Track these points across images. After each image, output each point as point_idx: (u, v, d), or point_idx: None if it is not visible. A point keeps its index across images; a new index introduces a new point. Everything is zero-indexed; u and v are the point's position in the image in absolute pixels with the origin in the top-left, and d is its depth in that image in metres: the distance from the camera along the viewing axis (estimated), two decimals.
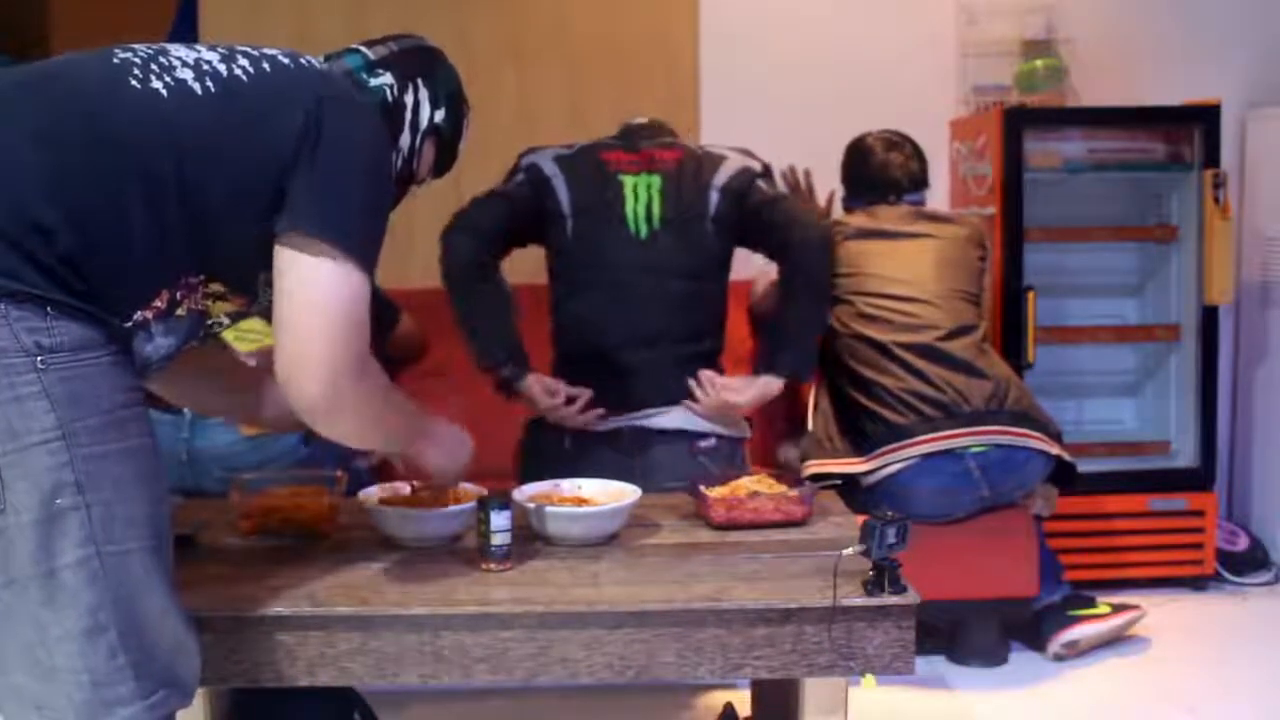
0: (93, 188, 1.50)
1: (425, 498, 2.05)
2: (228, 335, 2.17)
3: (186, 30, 3.99)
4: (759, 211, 2.75)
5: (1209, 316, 3.79)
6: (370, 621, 1.72)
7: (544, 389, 2.68)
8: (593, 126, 3.06)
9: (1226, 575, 3.86)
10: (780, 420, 3.59)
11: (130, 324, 1.55)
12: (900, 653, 1.74)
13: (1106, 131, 3.83)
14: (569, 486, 2.15)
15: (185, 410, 2.67)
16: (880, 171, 3.36)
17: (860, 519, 1.81)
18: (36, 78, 1.59)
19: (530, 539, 2.01)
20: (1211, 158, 3.75)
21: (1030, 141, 3.73)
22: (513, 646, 1.73)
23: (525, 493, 2.09)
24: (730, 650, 1.74)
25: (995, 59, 4.06)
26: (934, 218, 3.35)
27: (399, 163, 1.84)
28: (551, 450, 2.70)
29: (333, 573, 1.87)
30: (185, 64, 1.60)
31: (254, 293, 1.68)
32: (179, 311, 1.62)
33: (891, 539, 1.73)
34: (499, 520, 1.87)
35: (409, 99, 1.84)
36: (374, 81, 1.82)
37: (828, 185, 3.51)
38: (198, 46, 1.67)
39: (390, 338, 3.22)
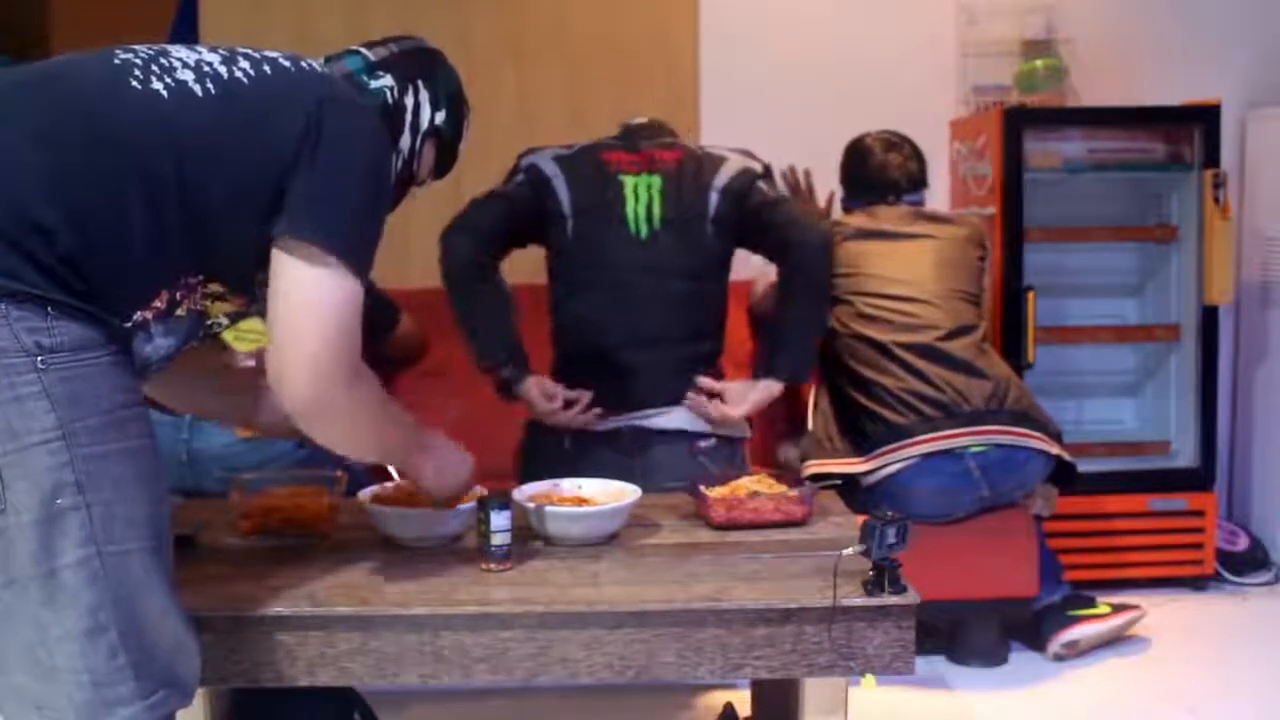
0: (93, 188, 1.50)
1: (425, 498, 2.05)
2: (227, 336, 2.16)
3: (187, 30, 3.99)
4: (759, 213, 2.75)
5: (1209, 316, 3.79)
6: (370, 621, 1.72)
7: (542, 393, 2.67)
8: (593, 126, 3.06)
9: (1226, 575, 3.86)
10: (780, 420, 3.59)
11: (130, 324, 1.55)
12: (900, 653, 1.74)
13: (1106, 131, 3.83)
14: (569, 486, 2.15)
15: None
16: (879, 172, 3.36)
17: (860, 519, 1.81)
18: (37, 78, 1.59)
19: (530, 539, 2.01)
20: (1211, 158, 3.75)
21: (1030, 141, 3.73)
22: (513, 646, 1.73)
23: (525, 493, 2.09)
24: (730, 650, 1.74)
25: (995, 59, 4.06)
26: (933, 218, 3.36)
27: (399, 164, 1.84)
28: (551, 450, 2.70)
29: (333, 573, 1.87)
30: (186, 65, 1.61)
31: (252, 293, 1.68)
32: (179, 312, 1.62)
33: (891, 539, 1.73)
34: (499, 520, 1.87)
35: (409, 101, 1.85)
36: (374, 83, 1.82)
37: (828, 186, 3.51)
38: (199, 48, 1.67)
39: (390, 338, 3.23)
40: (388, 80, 1.83)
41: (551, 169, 2.76)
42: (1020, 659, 3.27)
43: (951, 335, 3.14)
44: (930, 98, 4.03)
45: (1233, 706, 2.99)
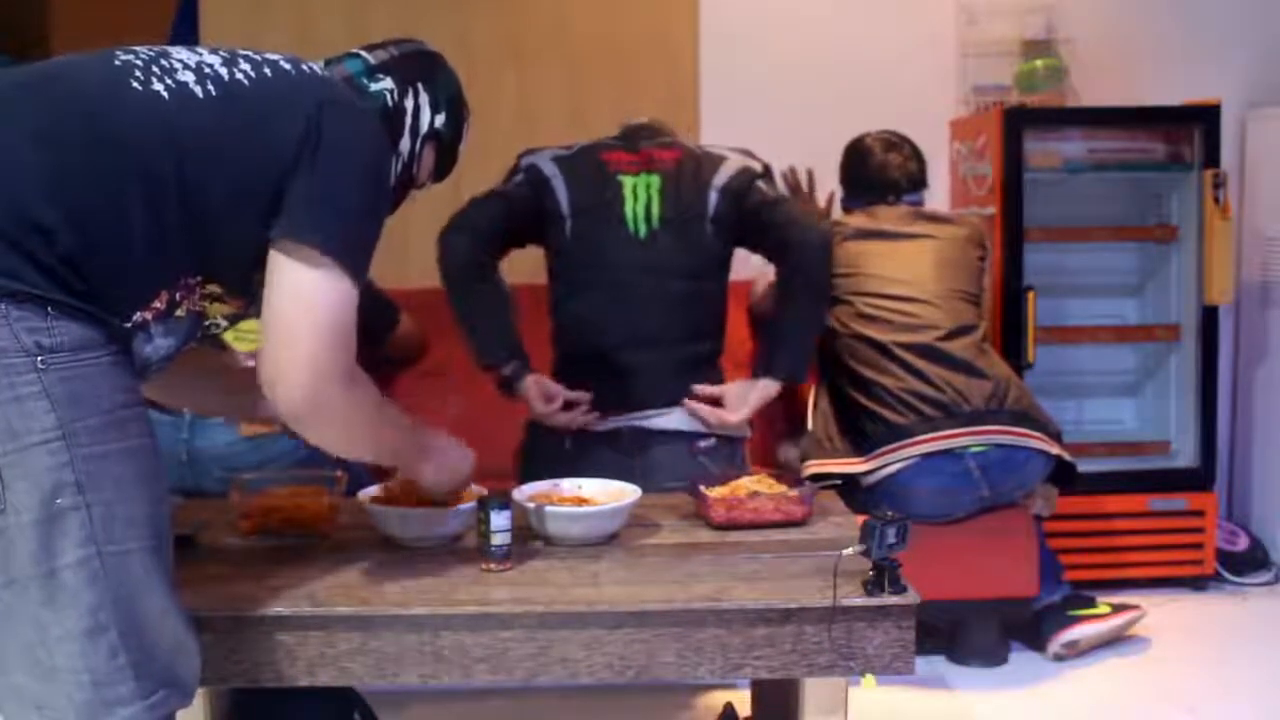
0: (93, 188, 1.50)
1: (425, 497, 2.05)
2: (227, 336, 2.17)
3: (187, 31, 3.99)
4: (758, 212, 2.75)
5: (1209, 316, 3.79)
6: (370, 621, 1.72)
7: (541, 393, 2.67)
8: (593, 127, 3.06)
9: (1226, 575, 3.86)
10: (780, 420, 3.59)
11: (130, 325, 1.55)
12: (900, 653, 1.74)
13: (1106, 131, 3.83)
14: (569, 486, 2.15)
15: (185, 410, 2.67)
16: (879, 172, 3.36)
17: (860, 519, 1.81)
18: (37, 78, 1.59)
19: (530, 539, 2.01)
20: (1211, 158, 3.75)
21: (1030, 141, 3.74)
22: (513, 646, 1.73)
23: (525, 493, 2.09)
24: (730, 650, 1.74)
25: (995, 59, 4.06)
26: (933, 218, 3.36)
27: (399, 167, 1.84)
28: (551, 450, 2.70)
29: (333, 573, 1.87)
30: (187, 67, 1.61)
31: (251, 295, 1.68)
32: (178, 312, 1.62)
33: (891, 539, 1.73)
34: (499, 520, 1.87)
35: (409, 104, 1.85)
36: (374, 86, 1.83)
37: (827, 186, 3.51)
38: (199, 50, 1.67)
39: (390, 338, 3.23)
40: (388, 83, 1.83)
41: (551, 169, 2.76)
42: (1020, 659, 3.27)
43: (951, 335, 3.14)
44: (930, 98, 4.03)
45: (1233, 706, 3.00)
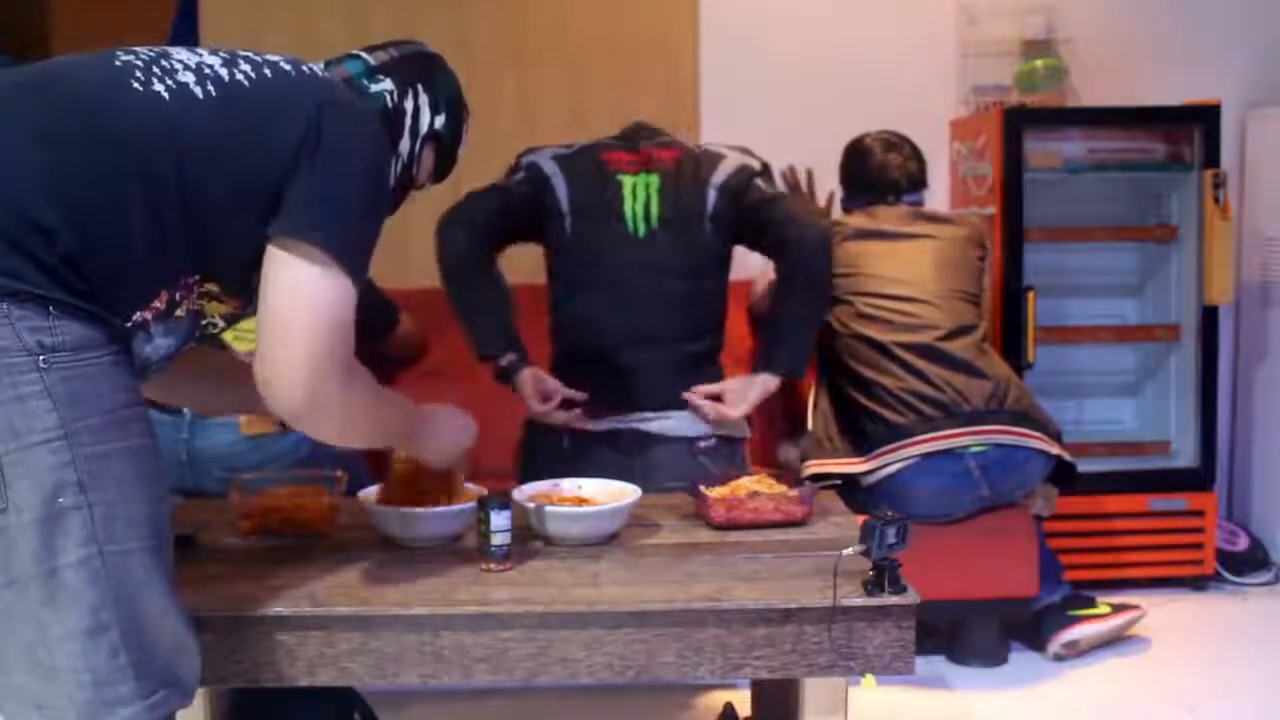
0: (93, 188, 1.50)
1: (426, 496, 2.05)
2: (227, 336, 2.17)
3: (187, 31, 3.99)
4: (757, 209, 2.75)
5: (1209, 316, 3.80)
6: (370, 621, 1.72)
7: (536, 390, 2.66)
8: (593, 127, 3.06)
9: (1226, 575, 3.86)
10: (780, 420, 3.59)
11: (131, 324, 1.55)
12: (900, 653, 1.74)
13: (1106, 131, 3.83)
14: (569, 486, 2.15)
15: (185, 410, 2.67)
16: (879, 172, 3.36)
17: (860, 519, 1.81)
18: (37, 78, 1.59)
19: (530, 539, 2.01)
20: (1211, 158, 3.76)
21: (1030, 141, 3.74)
22: (513, 646, 1.73)
23: (525, 493, 2.09)
24: (730, 650, 1.74)
25: (995, 59, 4.06)
26: (933, 218, 3.36)
27: (398, 168, 1.84)
28: (551, 450, 2.70)
29: (333, 573, 1.87)
30: (187, 67, 1.61)
31: (249, 295, 1.68)
32: (178, 312, 1.62)
33: (891, 539, 1.73)
34: (499, 520, 1.87)
35: (409, 105, 1.85)
36: (374, 87, 1.83)
37: (827, 186, 3.51)
38: (200, 50, 1.67)
39: (390, 338, 3.23)
40: (387, 84, 1.84)
41: (551, 167, 2.76)
42: (1020, 659, 3.27)
43: (951, 335, 3.14)
44: (930, 98, 4.03)
45: (1233, 706, 3.00)
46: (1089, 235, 3.94)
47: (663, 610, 1.73)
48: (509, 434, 2.83)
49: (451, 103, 1.90)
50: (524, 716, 2.94)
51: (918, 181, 3.39)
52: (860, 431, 3.11)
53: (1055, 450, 3.11)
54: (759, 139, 3.05)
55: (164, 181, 1.53)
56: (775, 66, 4.05)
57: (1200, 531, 3.77)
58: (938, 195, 3.82)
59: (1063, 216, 3.86)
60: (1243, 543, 3.96)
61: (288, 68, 1.69)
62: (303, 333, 1.57)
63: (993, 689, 3.11)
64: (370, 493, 2.09)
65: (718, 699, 2.79)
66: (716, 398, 2.70)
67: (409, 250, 3.02)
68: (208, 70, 1.62)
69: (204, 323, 1.71)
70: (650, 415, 2.69)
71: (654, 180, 2.76)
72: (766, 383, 2.71)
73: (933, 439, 3.02)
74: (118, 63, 1.59)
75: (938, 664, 3.23)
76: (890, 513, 1.76)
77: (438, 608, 1.73)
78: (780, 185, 3.13)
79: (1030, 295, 3.63)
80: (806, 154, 3.52)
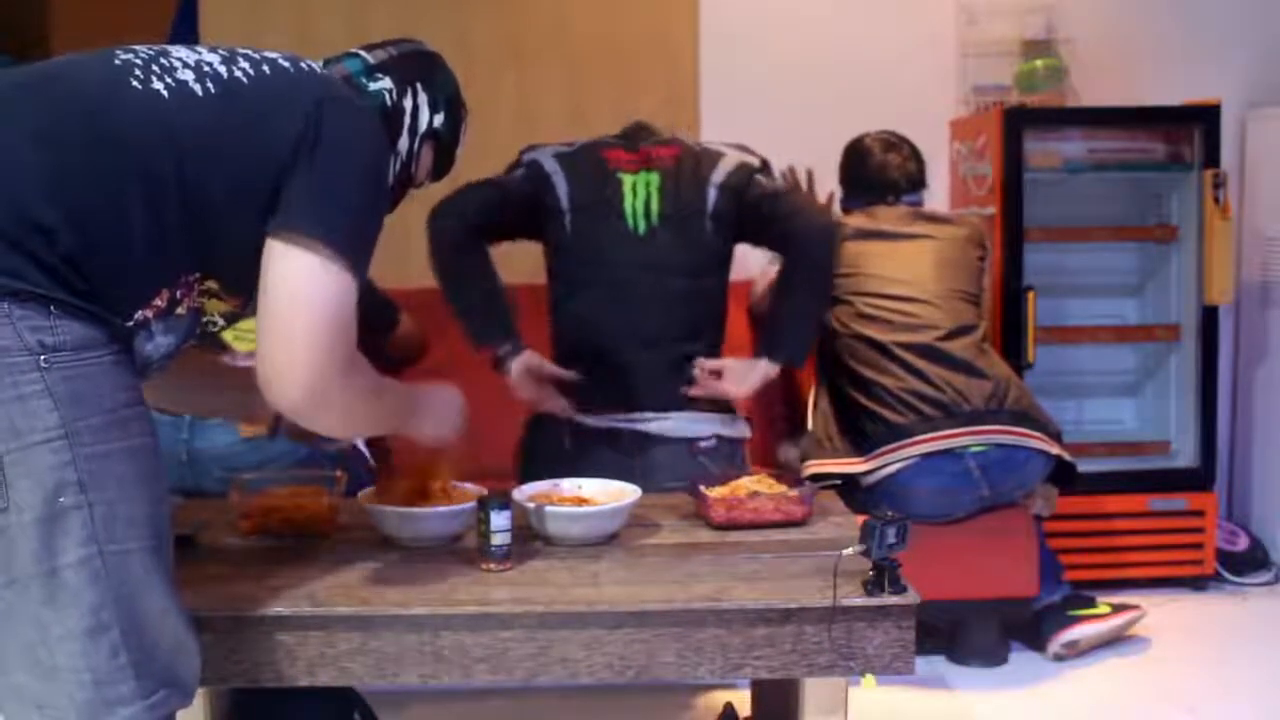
0: (93, 188, 1.50)
1: (426, 495, 2.05)
2: (227, 336, 2.17)
3: (187, 30, 3.99)
4: (758, 205, 2.75)
5: (1209, 316, 3.80)
6: (370, 621, 1.72)
7: (529, 379, 2.65)
8: (593, 126, 3.06)
9: (1226, 575, 3.86)
10: (780, 420, 3.59)
11: (132, 323, 1.55)
12: (900, 653, 1.74)
13: (1106, 131, 3.84)
14: (569, 486, 2.15)
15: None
16: (878, 172, 3.37)
17: (860, 519, 1.81)
18: (37, 78, 1.59)
19: (530, 539, 2.01)
20: (1211, 158, 3.76)
21: (1030, 141, 3.74)
22: (513, 646, 1.73)
23: (525, 492, 2.09)
24: (730, 650, 1.74)
25: (995, 59, 4.06)
26: (933, 218, 3.36)
27: (397, 166, 1.84)
28: (551, 450, 2.70)
29: (333, 573, 1.87)
30: (186, 65, 1.61)
31: (249, 293, 1.68)
32: (179, 310, 1.62)
33: (891, 539, 1.73)
34: (499, 520, 1.87)
35: (408, 103, 1.85)
36: (373, 86, 1.83)
37: (827, 186, 3.51)
38: (199, 48, 1.67)
39: (390, 338, 3.23)
40: (386, 83, 1.84)
41: (551, 165, 2.76)
42: (1020, 659, 3.27)
43: (951, 335, 3.14)
44: (930, 98, 4.03)
45: (1233, 706, 3.00)
46: (1089, 235, 3.94)
47: (663, 610, 1.73)
48: (509, 434, 2.83)
49: (450, 101, 1.91)
50: (524, 716, 2.94)
51: (917, 182, 3.39)
52: (860, 431, 3.11)
53: (1055, 450, 3.11)
54: (759, 139, 3.04)
55: (164, 180, 1.53)
56: (775, 66, 4.05)
57: (1200, 531, 3.77)
58: (938, 195, 3.82)
59: (1063, 216, 3.86)
60: (1243, 543, 3.96)
61: (286, 65, 1.69)
62: (303, 331, 1.57)
63: (993, 689, 3.11)
64: (370, 493, 2.09)
65: (718, 699, 2.79)
66: (718, 375, 2.70)
67: (409, 250, 3.01)
68: (207, 68, 1.61)
69: (204, 320, 1.71)
70: (650, 415, 2.69)
71: (654, 178, 2.76)
72: (768, 369, 2.70)
73: (933, 439, 3.02)
74: (117, 62, 1.59)
75: (938, 664, 3.23)
76: (890, 513, 1.76)
77: (438, 608, 1.73)
78: (780, 184, 3.13)
79: (1030, 295, 3.63)
80: (806, 154, 3.52)
